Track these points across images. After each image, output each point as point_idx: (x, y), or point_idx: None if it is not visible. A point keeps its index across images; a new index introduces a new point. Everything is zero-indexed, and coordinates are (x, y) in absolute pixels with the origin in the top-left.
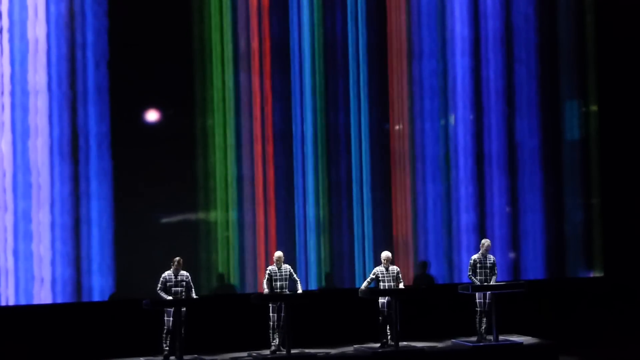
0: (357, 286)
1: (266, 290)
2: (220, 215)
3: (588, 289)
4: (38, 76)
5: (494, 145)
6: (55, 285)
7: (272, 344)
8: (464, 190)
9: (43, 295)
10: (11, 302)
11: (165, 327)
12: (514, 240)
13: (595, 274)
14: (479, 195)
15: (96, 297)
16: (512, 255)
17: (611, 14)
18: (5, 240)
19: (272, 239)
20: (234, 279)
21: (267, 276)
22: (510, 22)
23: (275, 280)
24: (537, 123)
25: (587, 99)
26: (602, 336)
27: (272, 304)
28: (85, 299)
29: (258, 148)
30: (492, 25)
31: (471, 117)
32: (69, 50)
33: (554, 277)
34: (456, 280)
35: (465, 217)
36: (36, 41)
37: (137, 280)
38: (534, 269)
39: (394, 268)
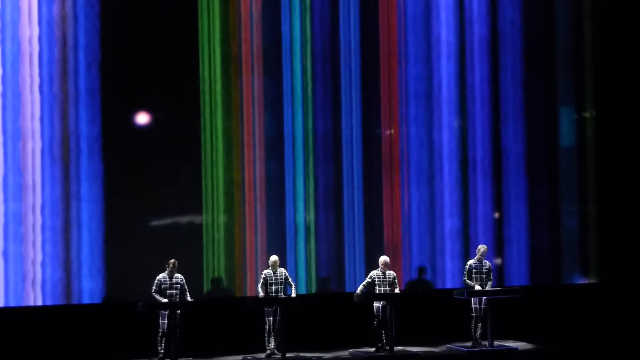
0: (346, 290)
1: (261, 294)
2: (211, 218)
3: (583, 295)
4: (29, 78)
5: (479, 151)
6: (45, 288)
7: (268, 347)
8: (448, 196)
9: (33, 297)
10: (0, 304)
11: (160, 330)
12: (499, 246)
13: (591, 280)
14: (463, 201)
15: (86, 300)
16: (497, 261)
17: (608, 20)
18: None
19: (262, 243)
20: (224, 282)
21: (262, 280)
22: (496, 28)
23: (271, 284)
24: (523, 129)
25: (583, 105)
26: (597, 342)
27: (267, 307)
28: (75, 301)
29: (249, 151)
30: (477, 31)
31: (457, 122)
32: (61, 52)
33: (544, 284)
34: (439, 286)
35: (450, 223)
36: (28, 43)
37: (127, 283)
38: (518, 275)
39: (390, 273)
